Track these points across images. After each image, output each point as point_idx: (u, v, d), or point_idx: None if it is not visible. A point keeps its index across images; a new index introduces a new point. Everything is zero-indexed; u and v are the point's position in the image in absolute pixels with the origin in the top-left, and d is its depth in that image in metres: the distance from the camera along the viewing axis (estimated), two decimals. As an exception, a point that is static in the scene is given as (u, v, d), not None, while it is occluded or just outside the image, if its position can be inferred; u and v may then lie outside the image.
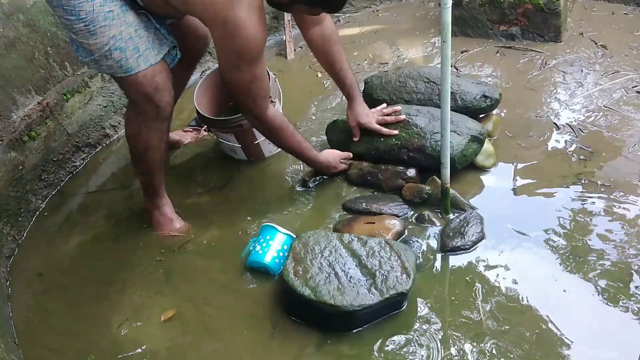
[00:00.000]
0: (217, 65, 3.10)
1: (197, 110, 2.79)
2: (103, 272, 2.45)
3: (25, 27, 2.79)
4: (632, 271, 2.16)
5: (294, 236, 2.32)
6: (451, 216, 2.46)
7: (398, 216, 2.48)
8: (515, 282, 2.18)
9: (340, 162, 2.70)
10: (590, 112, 2.95)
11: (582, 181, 2.55)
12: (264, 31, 2.12)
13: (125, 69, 2.18)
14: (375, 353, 2.01)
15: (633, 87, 3.08)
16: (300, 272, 2.11)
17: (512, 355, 1.95)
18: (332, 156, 2.68)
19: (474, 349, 1.98)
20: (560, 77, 3.25)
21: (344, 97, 2.78)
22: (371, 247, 2.17)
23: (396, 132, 2.65)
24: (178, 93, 2.67)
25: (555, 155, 2.73)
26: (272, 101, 2.58)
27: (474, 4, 3.65)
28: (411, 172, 2.61)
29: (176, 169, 2.95)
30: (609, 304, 2.07)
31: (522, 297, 2.13)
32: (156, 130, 2.34)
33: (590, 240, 2.30)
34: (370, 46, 3.80)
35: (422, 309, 2.13)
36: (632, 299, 2.07)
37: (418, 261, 2.27)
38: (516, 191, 2.57)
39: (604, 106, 2.98)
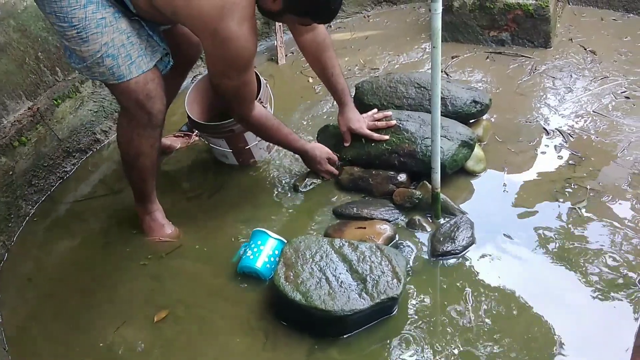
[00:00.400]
0: (206, 72, 3.10)
1: (188, 115, 2.79)
2: (93, 278, 2.44)
3: (16, 32, 2.79)
4: (622, 274, 2.17)
5: (285, 241, 2.32)
6: (442, 221, 2.46)
7: (389, 221, 2.48)
8: (505, 286, 2.19)
9: (330, 166, 2.70)
10: (580, 117, 2.97)
11: (572, 186, 2.56)
12: (254, 42, 2.13)
13: (117, 76, 2.18)
14: (366, 358, 2.02)
15: (622, 93, 3.11)
16: (291, 277, 2.11)
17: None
18: (320, 149, 2.69)
19: (464, 354, 1.98)
20: (550, 83, 3.27)
21: (335, 103, 2.79)
22: (362, 252, 2.18)
23: (387, 137, 2.66)
24: (170, 99, 2.67)
25: (545, 160, 2.74)
26: (263, 107, 2.59)
27: (464, 9, 3.67)
28: (402, 177, 2.62)
29: (167, 175, 2.95)
30: (599, 306, 2.08)
31: (512, 301, 2.14)
32: (148, 138, 2.34)
33: (579, 244, 2.31)
34: (361, 51, 3.82)
35: (413, 314, 2.14)
36: (622, 301, 2.08)
37: (409, 266, 2.27)
38: (506, 196, 2.58)
39: (593, 111, 3.00)
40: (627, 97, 3.07)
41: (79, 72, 2.36)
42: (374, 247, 2.20)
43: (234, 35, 2.05)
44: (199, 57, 2.84)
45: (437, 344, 2.02)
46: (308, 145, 2.66)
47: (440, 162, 2.34)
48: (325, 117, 3.19)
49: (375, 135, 2.66)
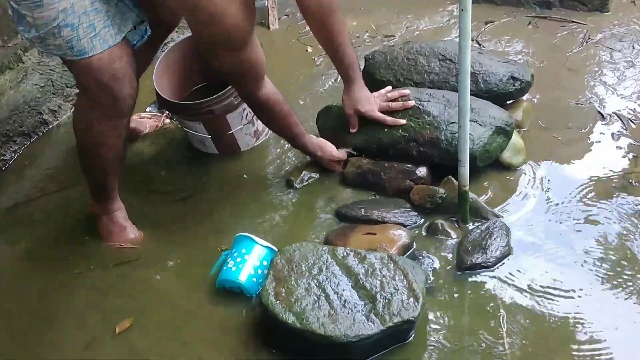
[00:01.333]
0: (180, 37, 3.10)
1: (157, 92, 2.78)
2: (40, 293, 2.45)
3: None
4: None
5: (276, 249, 2.32)
6: (470, 226, 2.47)
7: (405, 225, 2.49)
8: (547, 308, 2.19)
9: (333, 162, 2.72)
10: (643, 99, 2.98)
11: (633, 183, 2.56)
12: (248, 18, 2.14)
13: (77, 51, 2.16)
14: (375, 395, 2.03)
15: (696, 69, 3.11)
16: (283, 295, 2.11)
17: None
18: (323, 148, 2.71)
19: (496, 391, 1.99)
20: (607, 55, 3.27)
21: (340, 78, 2.78)
22: (371, 264, 2.18)
23: (403, 121, 2.66)
24: (138, 75, 2.66)
25: (600, 151, 2.75)
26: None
27: (502, -37, 3.67)
28: (421, 171, 2.62)
29: (131, 166, 2.93)
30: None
31: (556, 329, 2.13)
32: (112, 127, 2.33)
33: (641, 257, 2.31)
34: (372, 14, 3.82)
35: (433, 341, 2.13)
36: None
37: (429, 282, 2.28)
38: (550, 196, 2.58)
39: (660, 91, 3.01)
40: (702, 74, 3.08)
41: (31, 43, 2.34)
42: (386, 257, 2.20)
43: (221, 12, 2.05)
44: (178, 24, 2.83)
45: (462, 379, 2.03)
46: (310, 144, 2.69)
47: (470, 153, 2.33)
48: (327, 95, 3.19)
49: (389, 119, 2.67)
